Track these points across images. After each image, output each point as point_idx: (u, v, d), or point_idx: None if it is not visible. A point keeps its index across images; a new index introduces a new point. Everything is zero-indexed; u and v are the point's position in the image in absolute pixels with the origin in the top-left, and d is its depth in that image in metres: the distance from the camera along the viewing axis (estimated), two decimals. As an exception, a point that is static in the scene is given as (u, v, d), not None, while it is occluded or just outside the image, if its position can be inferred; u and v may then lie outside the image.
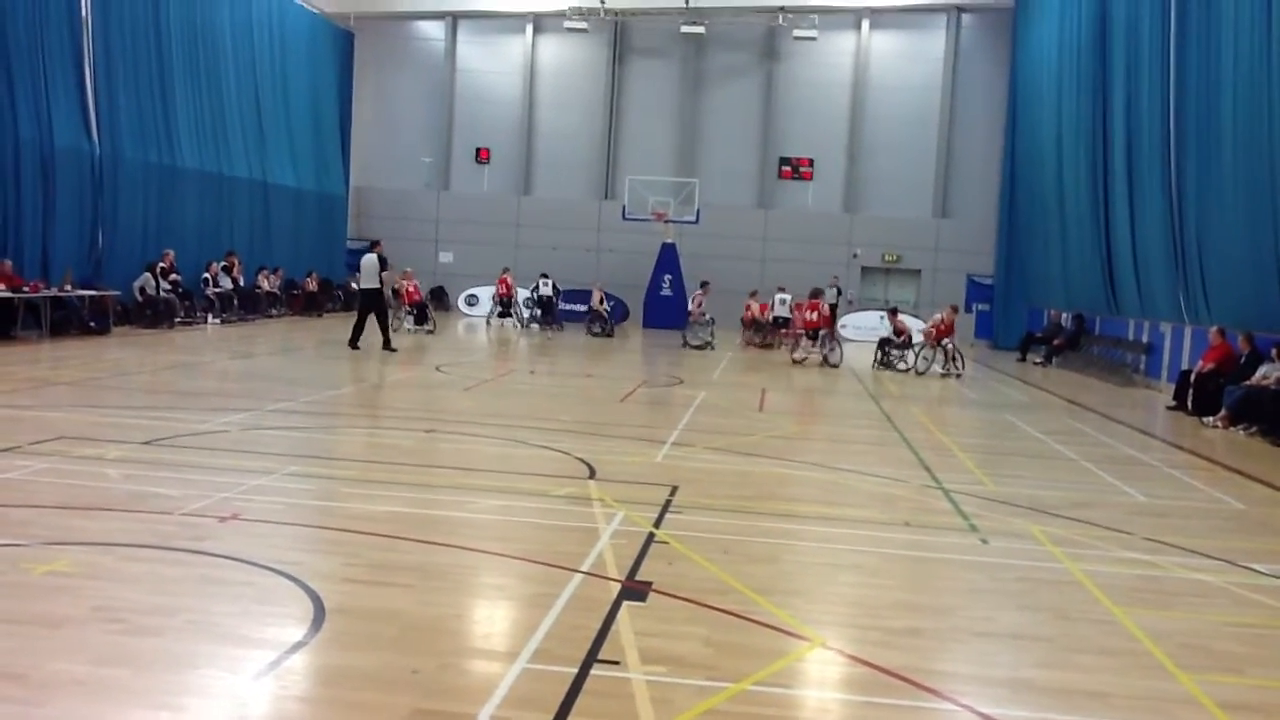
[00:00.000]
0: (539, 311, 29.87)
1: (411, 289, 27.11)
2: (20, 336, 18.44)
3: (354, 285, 23.06)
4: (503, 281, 29.87)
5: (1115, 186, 23.68)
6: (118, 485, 8.10)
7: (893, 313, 24.46)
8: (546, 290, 29.85)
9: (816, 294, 23.96)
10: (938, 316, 23.06)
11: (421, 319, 26.81)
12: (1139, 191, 22.28)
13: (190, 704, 4.37)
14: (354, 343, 20.18)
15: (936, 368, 22.19)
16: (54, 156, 20.70)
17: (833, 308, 28.04)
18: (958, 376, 21.74)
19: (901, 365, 22.69)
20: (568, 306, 31.41)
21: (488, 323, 30.33)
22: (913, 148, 33.77)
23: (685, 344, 25.92)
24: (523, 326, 29.96)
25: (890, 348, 22.98)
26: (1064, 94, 27.25)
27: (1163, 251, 20.95)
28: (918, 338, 23.29)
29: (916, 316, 29.16)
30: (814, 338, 23.12)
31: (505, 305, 29.88)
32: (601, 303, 29.25)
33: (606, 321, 28.82)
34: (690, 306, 27.83)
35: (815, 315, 23.03)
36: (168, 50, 24.66)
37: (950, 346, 22.24)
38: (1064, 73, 27.34)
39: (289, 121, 30.71)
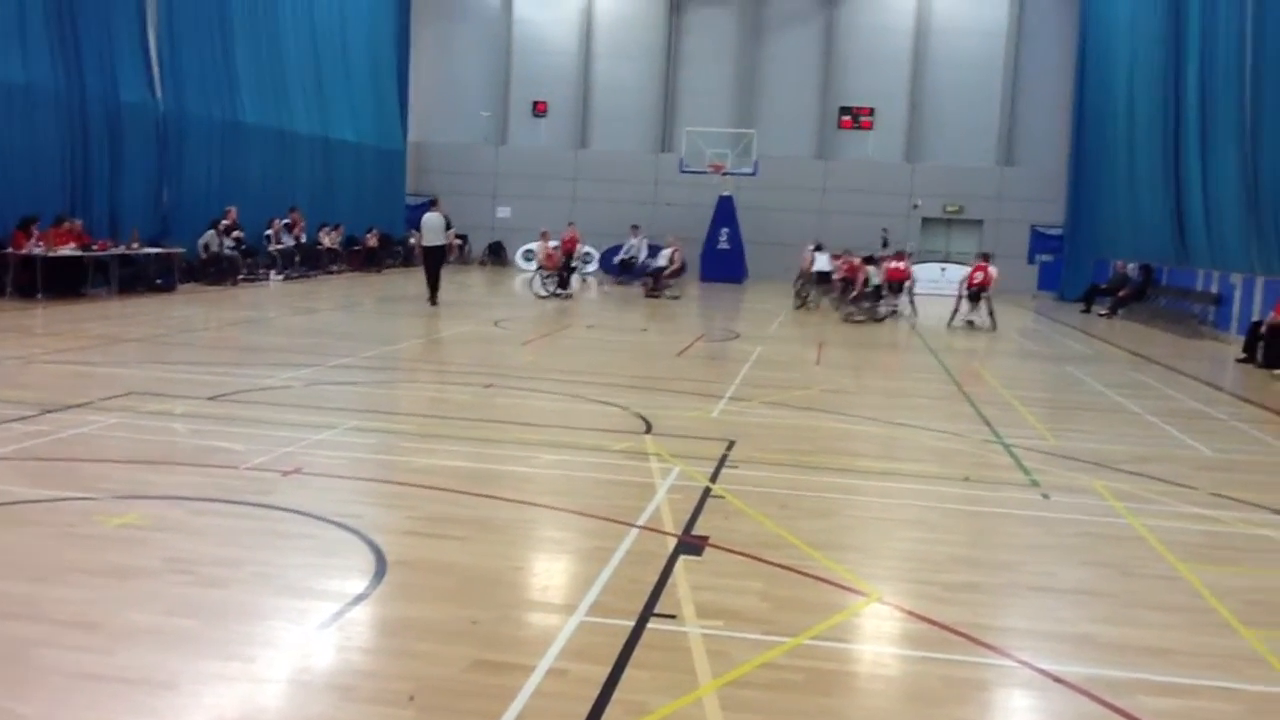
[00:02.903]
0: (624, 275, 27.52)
1: (554, 251, 24.71)
2: (90, 294, 18.84)
3: (417, 244, 21.86)
4: (571, 240, 25.96)
5: (1188, 132, 23.04)
6: (185, 440, 8.28)
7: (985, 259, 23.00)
8: (636, 251, 27.51)
9: (900, 255, 23.93)
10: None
11: (564, 283, 24.41)
12: (1212, 137, 21.68)
13: (258, 654, 4.49)
14: (432, 300, 20.57)
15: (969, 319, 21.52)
16: (120, 113, 20.95)
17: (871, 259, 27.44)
18: (991, 330, 20.91)
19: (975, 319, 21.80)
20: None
21: (541, 291, 24.20)
22: (977, 95, 33.07)
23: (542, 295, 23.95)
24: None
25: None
26: (1137, 38, 26.53)
27: (1236, 198, 20.40)
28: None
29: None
30: (898, 290, 22.98)
31: (568, 270, 24.91)
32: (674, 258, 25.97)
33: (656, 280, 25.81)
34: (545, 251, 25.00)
35: (903, 266, 23.15)
36: (229, 5, 24.76)
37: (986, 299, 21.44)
38: (1138, 16, 26.61)
39: (348, 76, 30.78)
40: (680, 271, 26.27)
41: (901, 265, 23.36)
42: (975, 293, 21.59)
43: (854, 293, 22.79)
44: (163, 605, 4.95)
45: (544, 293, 23.86)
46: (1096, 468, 8.77)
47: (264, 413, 9.44)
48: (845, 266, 23.67)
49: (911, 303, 23.56)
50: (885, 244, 29.05)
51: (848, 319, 22.17)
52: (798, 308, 24.20)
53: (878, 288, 22.37)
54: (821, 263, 24.96)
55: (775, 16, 34.26)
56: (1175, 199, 23.92)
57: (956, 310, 21.92)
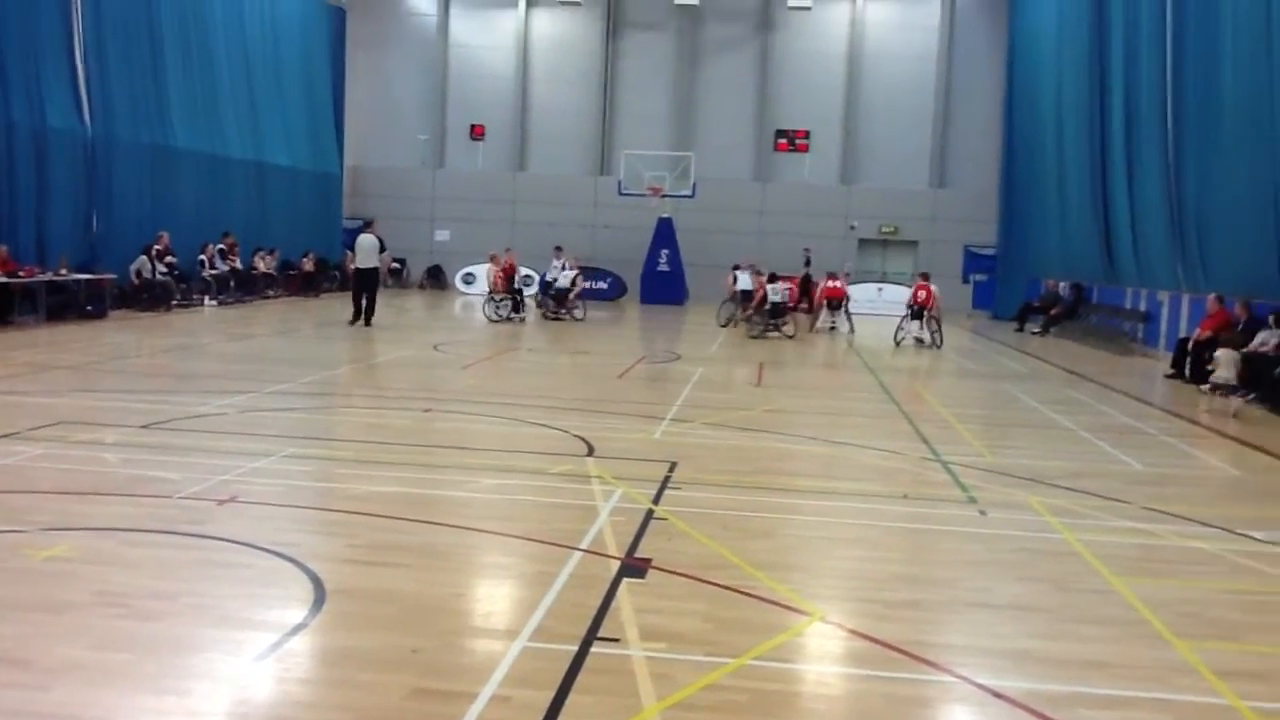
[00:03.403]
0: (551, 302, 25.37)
1: (502, 272, 24.00)
2: (17, 321, 18.40)
3: (350, 265, 21.91)
4: (508, 265, 24.33)
5: (1114, 154, 23.63)
6: (117, 469, 8.11)
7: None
8: (565, 279, 25.01)
9: (833, 275, 25.06)
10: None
11: (517, 307, 23.94)
12: (1137, 159, 22.24)
13: (194, 687, 4.40)
14: (354, 321, 20.89)
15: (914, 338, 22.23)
16: (47, 138, 20.56)
17: (806, 278, 28.46)
18: (937, 347, 21.47)
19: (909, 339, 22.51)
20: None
21: (494, 315, 23.77)
22: (909, 118, 33.61)
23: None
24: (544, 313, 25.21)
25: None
26: (1063, 61, 27.16)
27: (1161, 219, 20.93)
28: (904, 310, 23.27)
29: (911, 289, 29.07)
30: (836, 308, 24.42)
31: (518, 295, 24.21)
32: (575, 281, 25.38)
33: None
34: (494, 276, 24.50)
35: (840, 284, 24.56)
36: (159, 29, 24.45)
37: (930, 317, 22.09)
38: (1062, 40, 27.25)
39: (282, 100, 30.50)
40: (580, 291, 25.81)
41: (838, 284, 24.45)
42: (919, 311, 22.17)
43: (749, 310, 23.72)
44: (94, 639, 4.83)
45: (495, 317, 23.76)
46: (1032, 484, 8.91)
47: (199, 441, 9.28)
48: (758, 285, 24.38)
49: (848, 319, 24.48)
50: (808, 263, 29.62)
51: (749, 335, 22.77)
52: (722, 326, 24.60)
53: (775, 305, 22.87)
54: (744, 282, 25.45)
55: (711, 41, 34.58)
56: (1103, 220, 24.48)
57: (902, 328, 22.48)
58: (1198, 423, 13.21)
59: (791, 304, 23.86)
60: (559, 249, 26.06)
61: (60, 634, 4.88)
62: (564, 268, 25.06)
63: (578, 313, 24.69)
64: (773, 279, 23.37)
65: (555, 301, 24.75)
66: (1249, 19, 16.78)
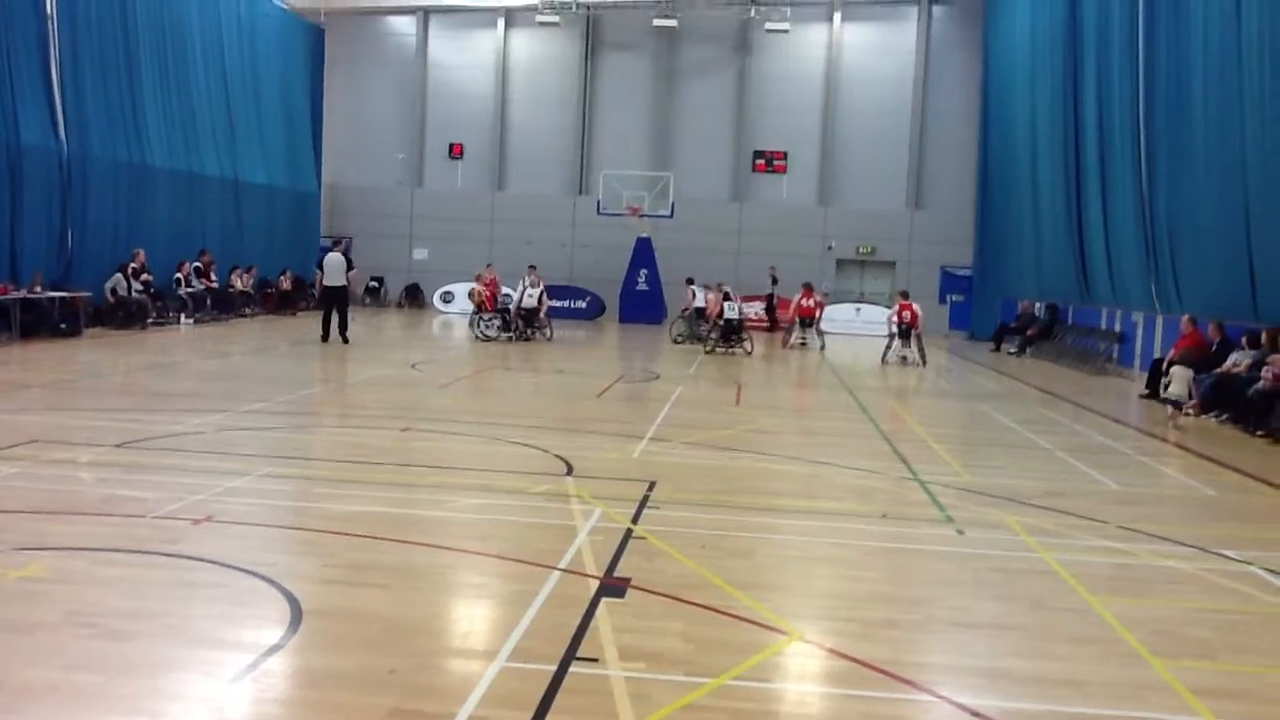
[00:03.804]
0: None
1: (488, 289, 24.00)
2: (-10, 339, 18.25)
3: (320, 283, 21.89)
4: (491, 282, 24.53)
5: (1087, 176, 23.86)
6: (90, 489, 8.04)
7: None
8: (531, 298, 24.24)
9: (808, 290, 25.61)
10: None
11: (506, 325, 23.72)
12: (1111, 181, 22.47)
13: (167, 709, 4.35)
14: (325, 338, 21.06)
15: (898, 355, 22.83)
16: (20, 155, 20.42)
17: (770, 297, 30.17)
18: (921, 365, 22.22)
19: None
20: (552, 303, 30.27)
21: (482, 334, 23.89)
22: (886, 140, 33.85)
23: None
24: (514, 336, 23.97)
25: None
26: (1036, 85, 27.44)
27: (1134, 241, 21.13)
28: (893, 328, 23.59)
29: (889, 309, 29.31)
30: (808, 325, 25.17)
31: (505, 314, 23.96)
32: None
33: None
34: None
35: (811, 303, 25.24)
36: (135, 46, 24.38)
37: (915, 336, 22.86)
38: (1036, 63, 27.53)
39: (260, 119, 30.44)
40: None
41: (810, 302, 25.17)
42: (906, 330, 22.68)
43: (708, 325, 24.41)
44: (65, 660, 4.77)
45: (484, 336, 23.68)
46: (1009, 503, 8.95)
47: (174, 460, 9.21)
48: (713, 302, 24.97)
49: (819, 335, 25.19)
50: (775, 281, 30.05)
51: (704, 350, 23.27)
52: (675, 342, 25.17)
53: (729, 321, 23.40)
54: (700, 299, 25.98)
55: (689, 63, 34.75)
56: (1078, 241, 24.70)
57: (889, 347, 22.96)
58: (1172, 442, 13.30)
59: (755, 322, 24.38)
60: (532, 268, 26.08)
61: (32, 655, 4.82)
62: (530, 286, 24.77)
63: (546, 332, 24.53)
64: (727, 297, 23.93)
65: (524, 321, 24.24)
66: (1220, 42, 17.00)
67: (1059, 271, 26.13)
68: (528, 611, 5.67)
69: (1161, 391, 16.45)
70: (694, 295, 25.98)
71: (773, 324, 29.92)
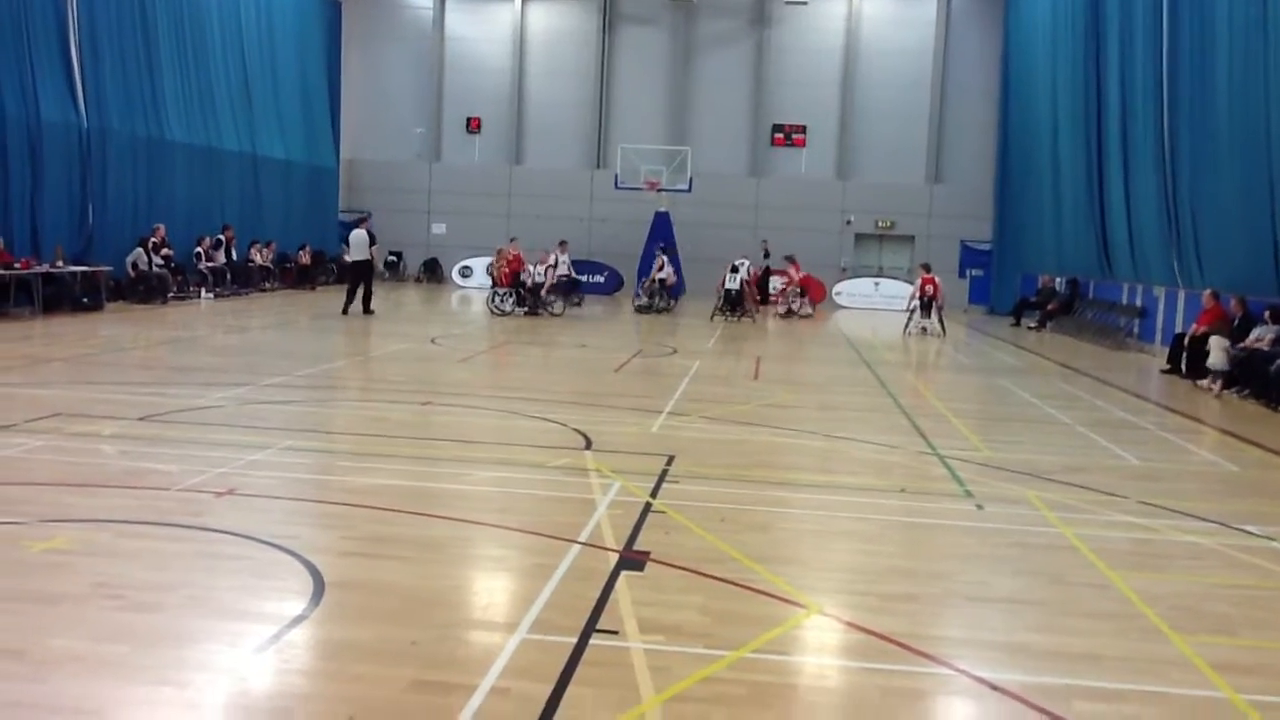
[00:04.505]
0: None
1: (508, 265, 23.85)
2: (12, 313, 18.38)
3: (345, 258, 22.31)
4: (514, 257, 24.24)
5: (1109, 150, 23.65)
6: (114, 462, 8.10)
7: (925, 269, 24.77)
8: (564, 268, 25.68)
9: (790, 259, 27.91)
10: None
11: (521, 300, 23.74)
12: (1133, 155, 22.26)
13: (192, 679, 4.40)
14: (346, 310, 21.65)
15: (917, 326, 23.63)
16: (41, 131, 20.51)
17: (767, 270, 30.85)
18: (942, 335, 23.07)
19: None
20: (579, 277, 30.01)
21: (497, 309, 23.87)
22: (906, 113, 33.58)
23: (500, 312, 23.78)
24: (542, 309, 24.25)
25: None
26: (1058, 57, 27.16)
27: (1156, 215, 20.95)
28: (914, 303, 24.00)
29: (910, 283, 29.25)
30: (927, 309, 24.14)
31: (521, 289, 23.92)
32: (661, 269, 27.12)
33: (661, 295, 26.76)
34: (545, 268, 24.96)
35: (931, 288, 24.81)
36: (153, 21, 24.40)
37: (937, 308, 23.59)
38: (1058, 36, 27.24)
39: (277, 94, 30.45)
40: (570, 286, 26.60)
41: (930, 288, 24.10)
42: (928, 302, 23.31)
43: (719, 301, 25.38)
44: (91, 631, 4.83)
45: (499, 311, 23.75)
46: (1029, 478, 8.93)
47: (196, 433, 9.27)
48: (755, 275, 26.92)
49: (940, 322, 23.85)
50: (767, 254, 30.14)
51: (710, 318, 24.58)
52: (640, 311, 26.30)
53: (729, 292, 24.89)
54: (668, 271, 27.51)
55: (707, 36, 34.52)
56: (1099, 215, 24.51)
57: (910, 319, 23.68)
58: (1193, 417, 13.24)
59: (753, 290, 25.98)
60: (563, 243, 26.68)
61: (56, 626, 4.88)
62: (561, 257, 25.60)
63: (555, 308, 24.48)
64: (734, 270, 25.20)
65: (532, 295, 24.21)
66: (1244, 14, 16.78)
67: (1080, 246, 25.94)
68: (548, 584, 5.70)
69: (1205, 363, 16.02)
70: (663, 266, 27.23)
71: (763, 298, 29.90)
